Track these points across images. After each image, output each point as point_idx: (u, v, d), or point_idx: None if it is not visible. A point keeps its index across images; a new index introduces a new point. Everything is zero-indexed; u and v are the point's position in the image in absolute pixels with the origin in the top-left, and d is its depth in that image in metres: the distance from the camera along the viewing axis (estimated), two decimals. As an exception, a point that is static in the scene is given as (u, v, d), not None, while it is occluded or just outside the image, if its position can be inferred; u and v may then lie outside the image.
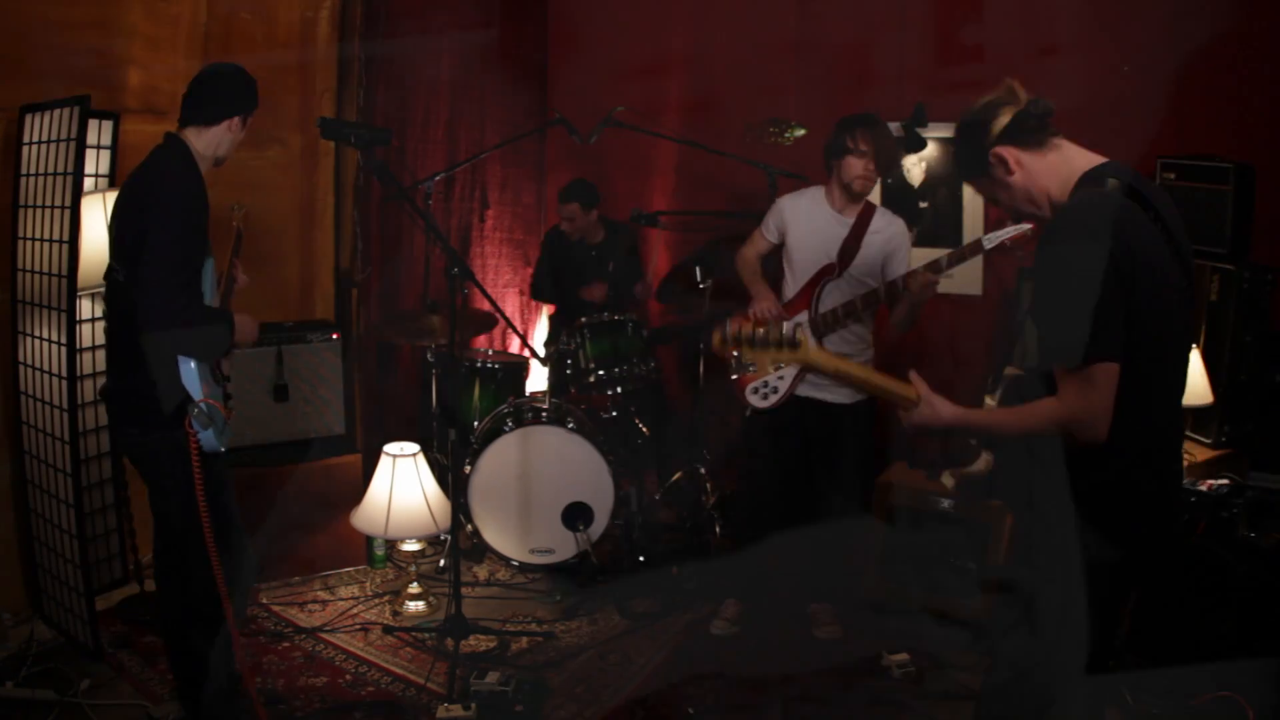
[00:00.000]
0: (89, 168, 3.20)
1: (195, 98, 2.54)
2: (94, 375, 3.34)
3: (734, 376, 3.52)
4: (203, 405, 2.35)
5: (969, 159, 1.98)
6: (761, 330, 1.95)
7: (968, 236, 4.46)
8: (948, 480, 2.13)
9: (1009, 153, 1.92)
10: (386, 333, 4.31)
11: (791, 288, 3.42)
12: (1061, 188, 1.89)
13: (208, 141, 2.53)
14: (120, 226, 2.48)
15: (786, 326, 1.96)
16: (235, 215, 2.76)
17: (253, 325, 2.64)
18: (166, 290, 2.32)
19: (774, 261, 3.54)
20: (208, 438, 2.40)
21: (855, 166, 3.23)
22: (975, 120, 1.95)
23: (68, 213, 2.96)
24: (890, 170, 3.30)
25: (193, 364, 2.42)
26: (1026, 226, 2.97)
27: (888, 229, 3.34)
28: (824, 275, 3.34)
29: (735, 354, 3.43)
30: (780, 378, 3.40)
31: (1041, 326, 1.84)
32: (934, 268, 3.08)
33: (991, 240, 3.04)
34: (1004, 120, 1.91)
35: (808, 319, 3.37)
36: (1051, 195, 1.90)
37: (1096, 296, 1.73)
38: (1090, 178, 1.87)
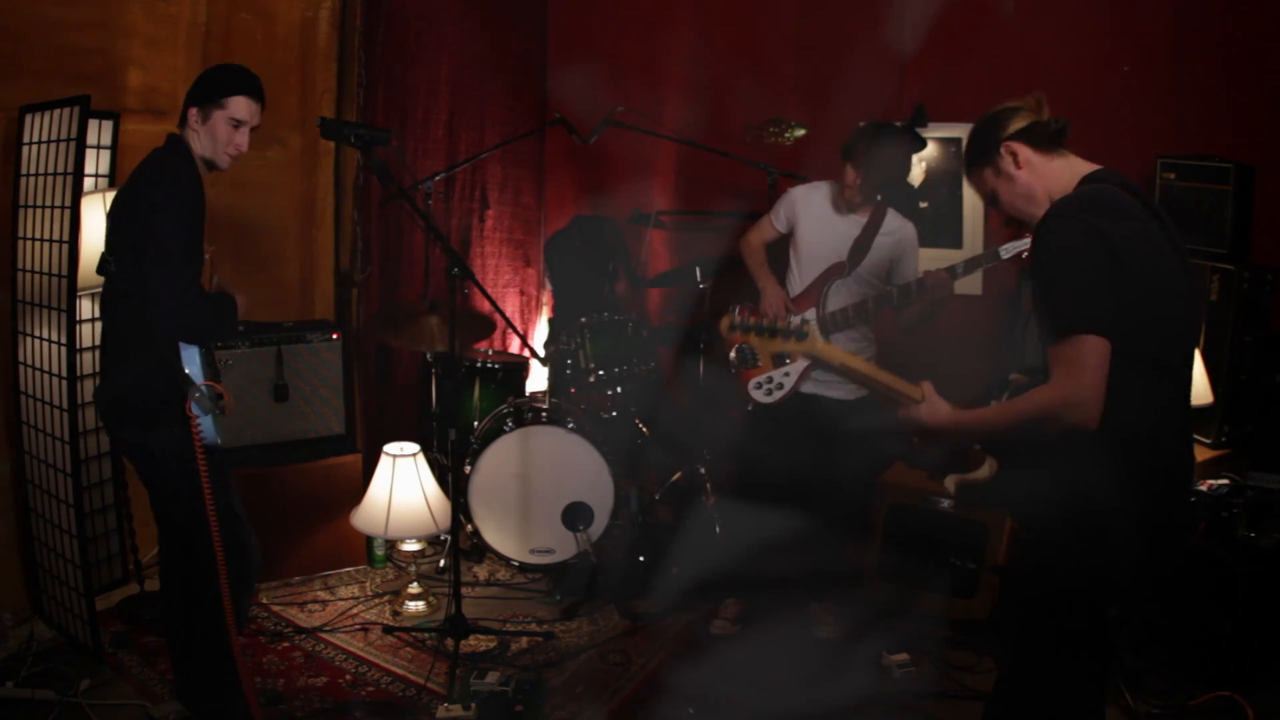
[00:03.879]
0: (89, 168, 3.20)
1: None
2: (94, 375, 3.34)
3: (734, 370, 3.51)
4: (204, 388, 2.36)
5: (979, 149, 2.04)
6: (768, 321, 1.97)
7: (967, 237, 4.46)
8: (950, 484, 2.13)
9: (1020, 148, 1.99)
10: (386, 334, 4.22)
11: (797, 282, 3.41)
12: (1063, 190, 1.95)
13: (193, 142, 2.54)
14: (117, 223, 2.49)
15: (795, 320, 1.97)
16: (206, 249, 2.61)
17: (245, 302, 2.68)
18: (173, 287, 2.34)
19: (775, 250, 3.53)
20: (207, 425, 2.40)
21: (847, 174, 3.26)
22: (994, 116, 2.03)
23: (68, 213, 2.96)
24: (888, 187, 3.29)
25: (196, 353, 2.44)
26: None
27: (899, 231, 3.34)
28: (833, 274, 3.33)
29: (738, 346, 3.45)
30: (786, 374, 3.39)
31: (1039, 303, 1.86)
32: (952, 271, 3.12)
33: (1009, 250, 3.08)
34: (1021, 122, 1.99)
35: (815, 316, 3.36)
36: (1052, 196, 1.95)
37: (1089, 272, 1.78)
38: (1090, 178, 1.94)
